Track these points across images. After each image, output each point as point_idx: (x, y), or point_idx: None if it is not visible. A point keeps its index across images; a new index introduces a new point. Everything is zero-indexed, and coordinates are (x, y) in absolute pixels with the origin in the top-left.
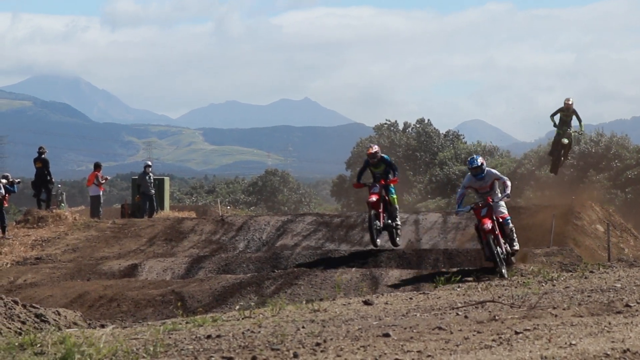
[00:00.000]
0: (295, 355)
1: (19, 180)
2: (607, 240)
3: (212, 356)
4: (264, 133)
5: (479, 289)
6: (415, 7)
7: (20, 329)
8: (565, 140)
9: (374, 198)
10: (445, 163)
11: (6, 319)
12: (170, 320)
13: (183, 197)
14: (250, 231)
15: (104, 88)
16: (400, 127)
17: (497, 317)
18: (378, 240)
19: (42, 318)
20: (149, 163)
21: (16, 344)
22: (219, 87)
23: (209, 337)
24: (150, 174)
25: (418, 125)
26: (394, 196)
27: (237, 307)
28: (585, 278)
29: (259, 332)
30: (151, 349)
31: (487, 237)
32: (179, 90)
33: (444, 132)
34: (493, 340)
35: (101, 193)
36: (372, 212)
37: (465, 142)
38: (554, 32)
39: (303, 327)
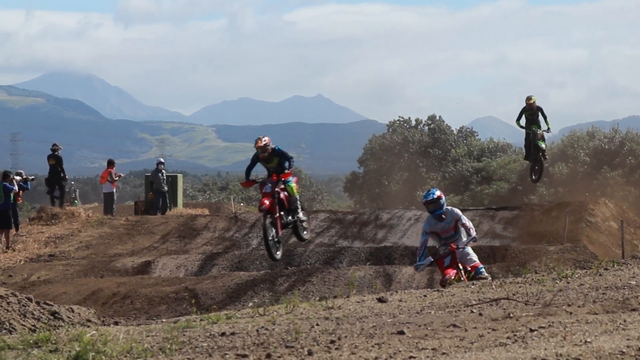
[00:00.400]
0: (310, 353)
1: (32, 177)
2: (621, 237)
3: (226, 353)
4: (277, 130)
5: (493, 287)
6: (428, 3)
7: (34, 325)
8: (543, 145)
9: (266, 202)
10: (459, 160)
11: (20, 316)
12: (184, 317)
13: (196, 194)
14: None
15: (116, 85)
16: (413, 123)
17: (511, 315)
18: (278, 253)
19: (56, 315)
20: (162, 160)
21: (31, 341)
22: (231, 84)
23: (223, 334)
24: (163, 171)
25: (429, 122)
26: (292, 185)
27: (251, 304)
28: (600, 275)
29: (273, 329)
30: (166, 346)
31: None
32: (192, 86)
33: (457, 129)
34: (508, 337)
35: (114, 190)
36: (267, 220)
37: (479, 139)
38: (566, 28)
39: (317, 325)
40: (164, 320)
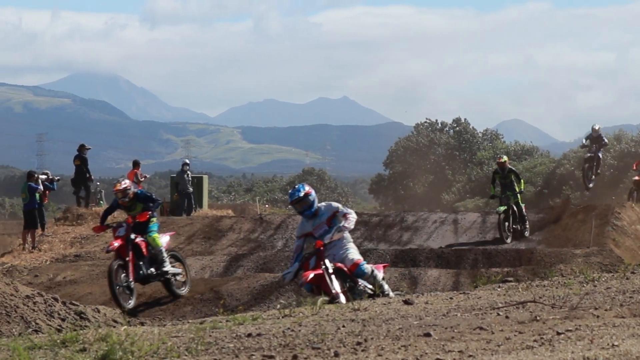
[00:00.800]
0: (336, 354)
1: (58, 177)
2: None
3: (253, 354)
4: (302, 131)
5: (520, 289)
6: (455, 5)
7: (60, 325)
8: (501, 208)
9: (115, 244)
10: (484, 162)
11: (46, 316)
12: (210, 318)
13: (221, 195)
14: (289, 229)
15: (142, 86)
16: (439, 126)
17: (538, 318)
18: (130, 302)
19: (82, 315)
20: (187, 161)
21: (58, 340)
22: (257, 85)
23: (249, 335)
24: (189, 172)
25: (455, 125)
26: (154, 236)
27: (278, 305)
28: (627, 279)
29: (300, 330)
30: (192, 346)
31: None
32: (218, 88)
33: (482, 131)
34: (535, 340)
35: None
36: (115, 262)
37: (504, 142)
38: (593, 31)
39: (343, 326)
40: (189, 320)
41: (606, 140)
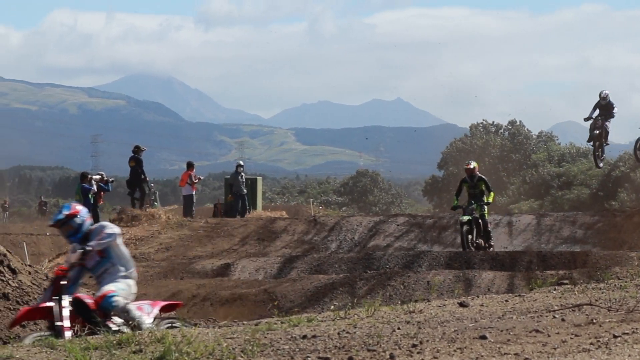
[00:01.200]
0: (392, 357)
1: (112, 179)
2: None
3: (308, 356)
4: (356, 133)
5: (576, 292)
6: (509, 7)
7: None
8: (465, 218)
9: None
10: (539, 165)
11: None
12: (265, 319)
13: (275, 196)
14: (343, 231)
15: (196, 87)
16: (494, 128)
17: (594, 321)
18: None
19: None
20: (241, 163)
21: (114, 341)
22: (311, 87)
23: (304, 337)
24: (243, 174)
25: (509, 127)
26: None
27: (332, 307)
28: None
29: (355, 332)
30: (247, 348)
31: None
32: (272, 89)
33: (537, 133)
34: (591, 343)
35: (194, 193)
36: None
37: (559, 144)
38: None
39: (399, 329)
40: (244, 322)
41: (617, 109)
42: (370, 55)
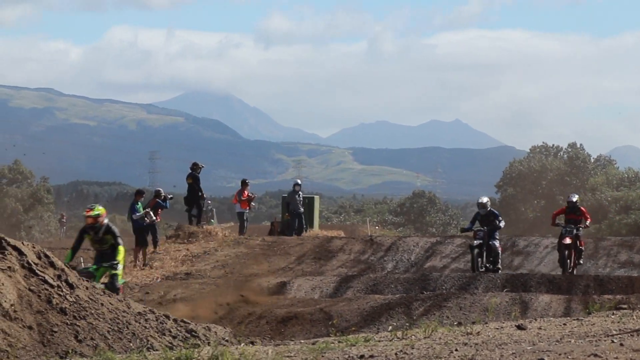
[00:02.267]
0: None
1: (171, 196)
2: None
3: None
4: (414, 154)
5: (634, 317)
6: (571, 30)
7: (172, 343)
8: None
9: None
10: (597, 188)
11: (158, 333)
12: (322, 339)
13: (331, 216)
14: (399, 252)
15: (255, 105)
16: (554, 150)
17: None
18: None
19: (193, 333)
20: (299, 182)
21: (172, 358)
22: (369, 107)
23: (362, 357)
24: (300, 192)
25: (569, 150)
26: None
27: (389, 327)
28: None
29: (412, 353)
30: None
31: None
32: (330, 109)
33: (595, 157)
34: None
35: (245, 210)
36: None
37: (618, 168)
38: None
39: (456, 350)
40: (301, 341)
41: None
42: (429, 76)
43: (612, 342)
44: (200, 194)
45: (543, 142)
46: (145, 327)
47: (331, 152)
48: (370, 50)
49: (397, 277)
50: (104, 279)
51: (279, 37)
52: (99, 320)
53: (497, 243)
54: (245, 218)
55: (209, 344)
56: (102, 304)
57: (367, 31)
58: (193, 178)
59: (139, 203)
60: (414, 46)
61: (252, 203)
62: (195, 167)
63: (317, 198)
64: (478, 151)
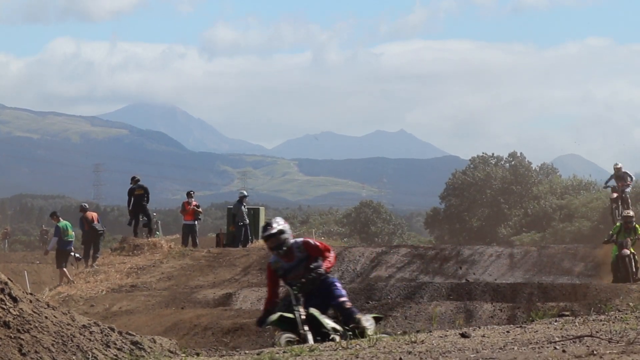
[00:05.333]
0: None
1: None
2: None
3: None
4: (359, 164)
5: (576, 324)
6: (515, 40)
7: (117, 355)
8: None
9: None
10: (541, 197)
11: (103, 345)
12: (267, 349)
13: None
14: (345, 262)
15: (199, 117)
16: (495, 160)
17: (595, 352)
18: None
19: (138, 345)
20: (245, 193)
21: None
22: (314, 118)
23: None
24: (245, 204)
25: (510, 159)
26: None
27: (333, 336)
28: None
29: None
30: None
31: None
32: (275, 120)
33: (539, 166)
34: None
35: (193, 222)
36: None
37: (560, 176)
38: None
39: (400, 359)
40: (246, 351)
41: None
42: (374, 87)
43: (555, 348)
44: (144, 203)
45: (483, 153)
46: (90, 339)
47: (276, 163)
48: (315, 61)
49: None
50: None
51: (224, 48)
52: (43, 334)
53: None
54: (195, 230)
55: (154, 355)
56: (46, 317)
57: (312, 42)
58: (143, 189)
59: (62, 222)
60: (358, 57)
61: (199, 216)
62: (137, 181)
63: (262, 209)
64: (423, 161)
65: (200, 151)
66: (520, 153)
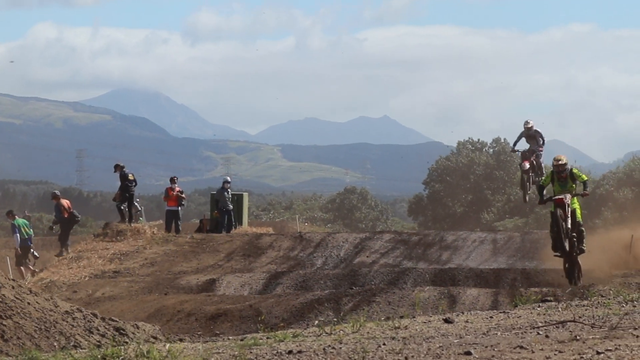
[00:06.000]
0: None
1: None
2: None
3: None
4: (343, 150)
5: (559, 309)
6: (500, 26)
7: (99, 341)
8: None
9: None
10: None
11: (85, 331)
12: (251, 335)
13: (260, 213)
14: (328, 248)
15: (183, 103)
16: (479, 145)
17: (578, 337)
18: None
19: (121, 331)
20: (229, 179)
21: (99, 356)
22: (298, 104)
23: (290, 352)
24: (229, 190)
25: (494, 145)
26: None
27: (317, 322)
28: None
29: (340, 348)
30: None
31: None
32: (258, 106)
33: (521, 151)
34: (574, 359)
35: (177, 208)
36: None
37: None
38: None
39: (384, 344)
40: (229, 337)
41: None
42: (357, 73)
43: (538, 334)
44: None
45: (469, 138)
46: (72, 325)
47: (260, 149)
48: (299, 47)
49: (326, 273)
50: None
51: (207, 34)
52: (26, 320)
53: None
54: (178, 216)
55: (137, 341)
56: (28, 303)
57: (296, 27)
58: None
59: (18, 220)
60: (342, 42)
61: (182, 202)
62: (122, 168)
63: (246, 195)
64: (407, 147)
65: (184, 137)
66: (504, 139)
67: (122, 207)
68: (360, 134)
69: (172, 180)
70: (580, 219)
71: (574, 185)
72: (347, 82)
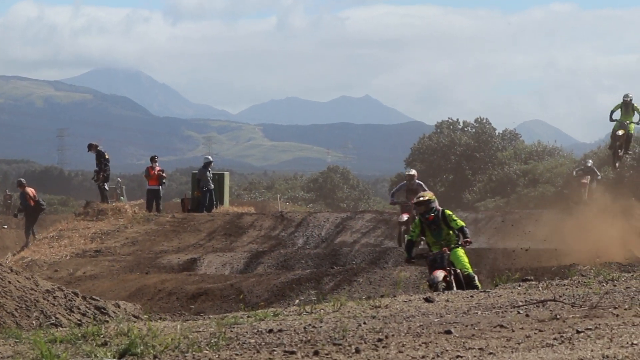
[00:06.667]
0: (357, 351)
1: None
2: None
3: (274, 350)
4: (324, 130)
5: (540, 288)
6: (480, 5)
7: (80, 320)
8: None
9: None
10: (505, 163)
11: (66, 310)
12: (232, 314)
13: (242, 192)
14: (310, 227)
15: (164, 82)
16: (461, 125)
17: (558, 316)
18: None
19: (102, 310)
20: (210, 158)
21: (79, 334)
22: (279, 83)
23: (270, 331)
24: (210, 169)
25: (476, 125)
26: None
27: (297, 301)
28: None
29: (321, 327)
30: (213, 341)
31: None
32: (240, 85)
33: (501, 132)
34: (554, 338)
35: (154, 187)
36: None
37: (523, 142)
38: (617, 32)
39: (364, 323)
40: (210, 316)
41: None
42: (339, 52)
43: (518, 313)
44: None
45: (449, 118)
46: (53, 304)
47: (241, 128)
48: (280, 26)
49: (307, 252)
50: None
51: (188, 12)
52: (6, 298)
53: None
54: (159, 195)
55: (118, 320)
56: (9, 282)
57: (277, 6)
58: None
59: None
60: (324, 22)
61: (163, 181)
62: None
63: (227, 174)
64: (388, 127)
65: (165, 116)
66: (486, 119)
67: (104, 187)
68: (342, 113)
69: (153, 160)
70: (469, 269)
71: (450, 233)
72: (329, 62)
